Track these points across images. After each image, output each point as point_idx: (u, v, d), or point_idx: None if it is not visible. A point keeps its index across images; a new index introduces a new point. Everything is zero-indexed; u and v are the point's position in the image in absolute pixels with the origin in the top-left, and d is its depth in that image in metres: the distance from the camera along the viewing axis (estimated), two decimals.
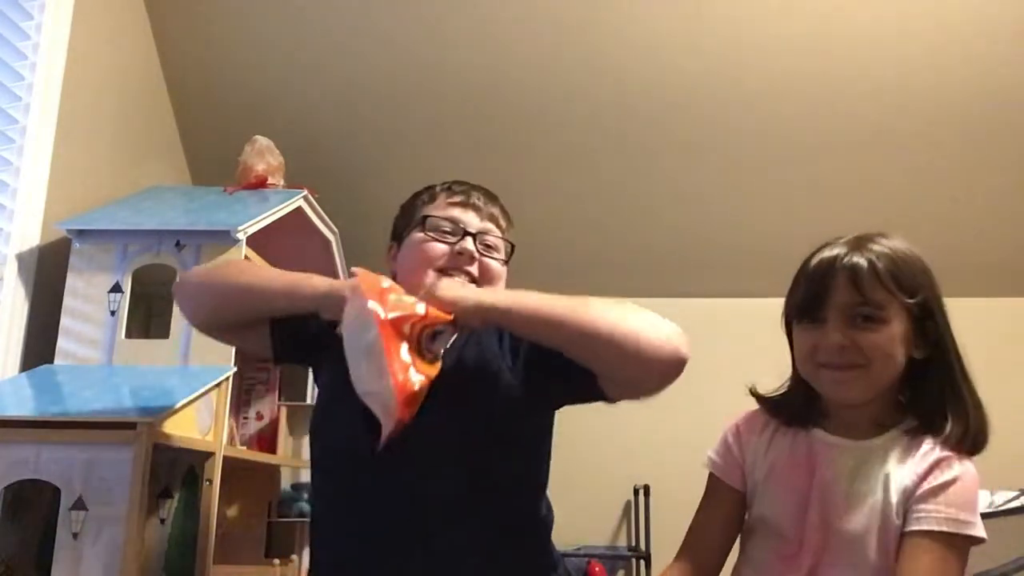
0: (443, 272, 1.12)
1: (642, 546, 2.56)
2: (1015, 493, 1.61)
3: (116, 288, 1.68)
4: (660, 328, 0.97)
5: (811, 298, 1.02)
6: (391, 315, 0.91)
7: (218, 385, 1.61)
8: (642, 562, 2.56)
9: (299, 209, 2.04)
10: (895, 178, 2.48)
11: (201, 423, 1.56)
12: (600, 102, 2.36)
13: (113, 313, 1.67)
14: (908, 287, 0.99)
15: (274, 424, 2.19)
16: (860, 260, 1.00)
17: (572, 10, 2.17)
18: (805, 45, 2.21)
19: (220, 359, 1.64)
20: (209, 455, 1.60)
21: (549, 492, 1.17)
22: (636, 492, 2.65)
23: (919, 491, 0.95)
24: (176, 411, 1.43)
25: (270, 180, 2.05)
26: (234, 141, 2.12)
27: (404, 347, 0.91)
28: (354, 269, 0.98)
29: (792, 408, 1.08)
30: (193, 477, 1.62)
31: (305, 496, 2.20)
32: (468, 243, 1.14)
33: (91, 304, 1.68)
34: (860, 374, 0.99)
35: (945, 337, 1.01)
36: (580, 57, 2.27)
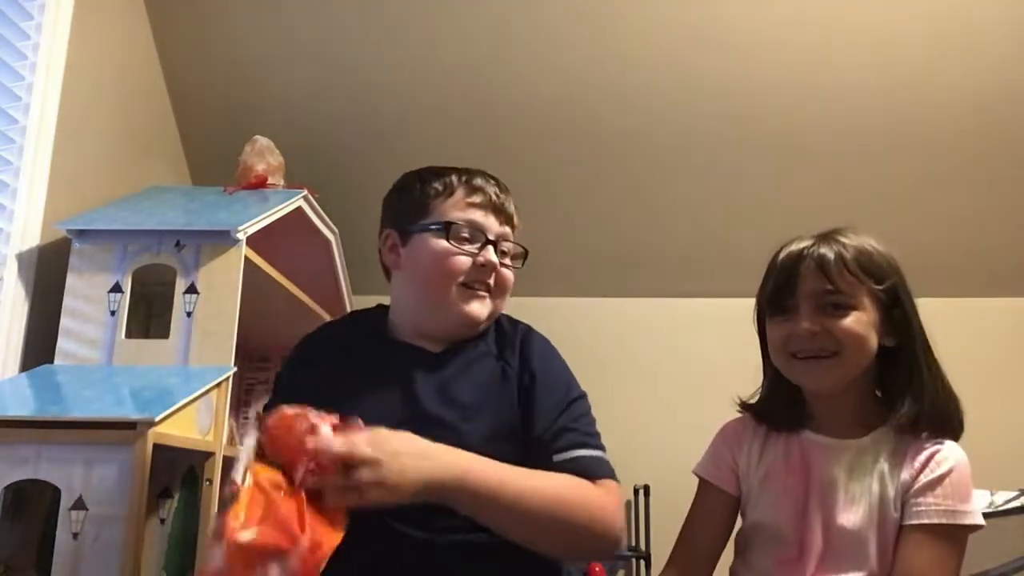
0: (464, 287, 1.10)
1: (642, 546, 2.56)
2: (1015, 493, 1.61)
3: (116, 288, 1.68)
4: (597, 525, 0.98)
5: (780, 289, 1.05)
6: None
7: (218, 385, 1.61)
8: (642, 562, 2.56)
9: (299, 209, 2.04)
10: (890, 186, 2.49)
11: (201, 423, 1.56)
12: (599, 104, 2.36)
13: (113, 313, 1.67)
14: (876, 274, 1.01)
15: None
16: (827, 250, 1.03)
17: (570, 13, 2.18)
18: (801, 56, 2.22)
19: (220, 359, 1.64)
20: (209, 455, 1.60)
21: None
22: (636, 492, 2.65)
23: (916, 485, 0.96)
24: (176, 411, 1.43)
25: (270, 180, 2.05)
26: (234, 141, 2.13)
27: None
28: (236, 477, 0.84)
29: (778, 413, 1.09)
30: (193, 477, 1.62)
31: None
32: (490, 253, 1.12)
33: (91, 304, 1.67)
34: (833, 362, 1.00)
35: (912, 324, 1.02)
36: (580, 59, 2.27)
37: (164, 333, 1.67)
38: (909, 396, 1.00)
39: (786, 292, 1.04)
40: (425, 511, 0.98)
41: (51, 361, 1.64)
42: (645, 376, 2.79)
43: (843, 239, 1.04)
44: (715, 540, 1.09)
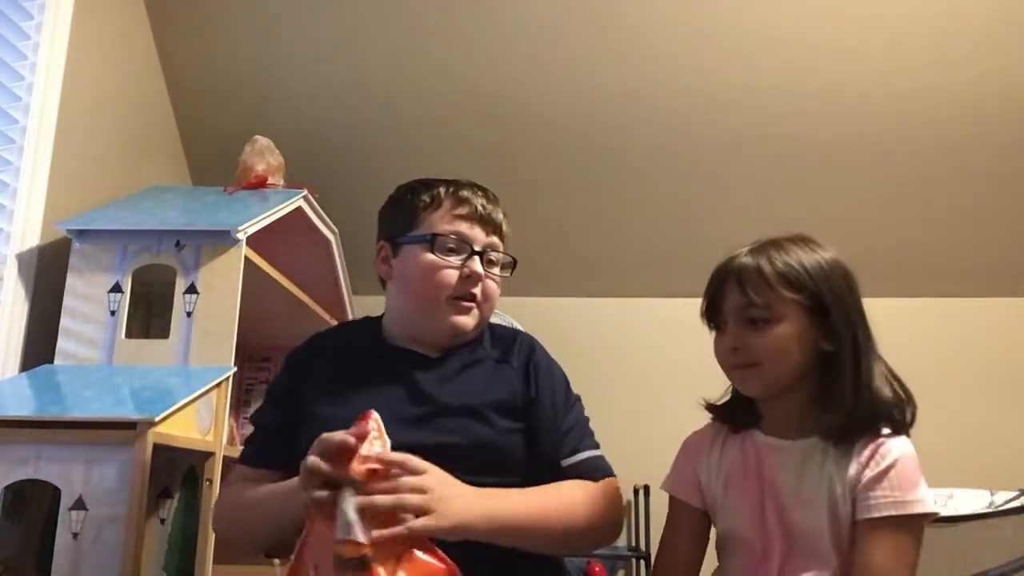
0: (452, 299, 1.12)
1: (642, 546, 2.56)
2: (1015, 493, 1.61)
3: (116, 288, 1.68)
4: (608, 527, 1.10)
5: (709, 305, 1.08)
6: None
7: (218, 385, 1.61)
8: (642, 562, 2.56)
9: (299, 209, 2.04)
10: (888, 187, 2.49)
11: (201, 423, 1.56)
12: (597, 107, 2.36)
13: (113, 313, 1.67)
14: (796, 284, 1.01)
15: None
16: (748, 262, 1.03)
17: (571, 13, 2.18)
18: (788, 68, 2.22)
19: (220, 359, 1.64)
20: (209, 455, 1.60)
21: None
22: (636, 492, 2.65)
23: (863, 480, 0.97)
24: (176, 411, 1.43)
25: (270, 180, 2.05)
26: (234, 141, 2.13)
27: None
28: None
29: (737, 412, 1.10)
30: (193, 477, 1.62)
31: None
32: (476, 264, 1.13)
33: (91, 304, 1.68)
34: (755, 372, 1.02)
35: (842, 330, 1.00)
36: (580, 62, 2.27)
37: (164, 333, 1.67)
38: (832, 402, 1.00)
39: (713, 309, 1.08)
40: None
41: (51, 361, 1.64)
42: (646, 376, 2.79)
43: (771, 250, 1.04)
44: (691, 552, 1.09)
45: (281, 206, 1.91)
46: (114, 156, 2.08)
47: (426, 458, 0.93)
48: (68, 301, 1.68)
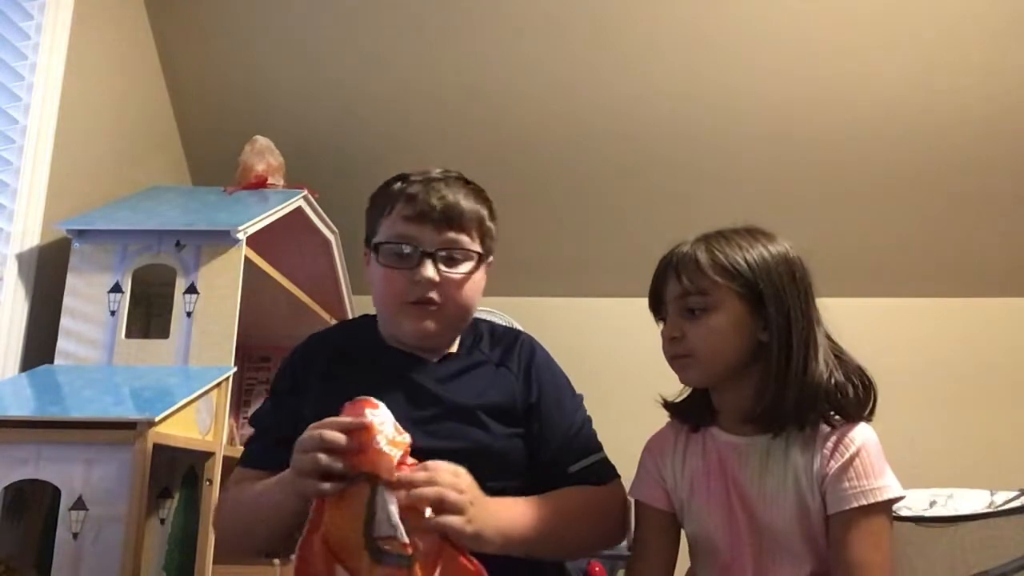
0: (409, 305, 1.08)
1: None
2: (1015, 493, 1.61)
3: (116, 288, 1.68)
4: (616, 530, 1.12)
5: (653, 295, 1.09)
6: None
7: (218, 385, 1.61)
8: None
9: (299, 209, 2.04)
10: (887, 188, 2.49)
11: (201, 423, 1.56)
12: (595, 108, 2.36)
13: (113, 313, 1.67)
14: (731, 273, 1.00)
15: None
16: (687, 251, 1.04)
17: (571, 14, 2.18)
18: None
19: (220, 359, 1.64)
20: (209, 455, 1.60)
21: None
22: None
23: (829, 473, 0.96)
24: (176, 411, 1.43)
25: (270, 180, 2.05)
26: (234, 141, 2.13)
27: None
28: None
29: (693, 409, 1.09)
30: (193, 477, 1.62)
31: None
32: (426, 269, 1.07)
33: (91, 304, 1.68)
34: (691, 362, 1.02)
35: (778, 320, 0.99)
36: (580, 63, 2.27)
37: (164, 333, 1.67)
38: (765, 392, 0.99)
39: (655, 299, 1.08)
40: None
41: (51, 361, 1.64)
42: (644, 376, 2.78)
43: (713, 240, 1.04)
44: (663, 556, 1.08)
45: (281, 206, 1.91)
46: (114, 156, 2.08)
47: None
48: (68, 301, 1.68)
